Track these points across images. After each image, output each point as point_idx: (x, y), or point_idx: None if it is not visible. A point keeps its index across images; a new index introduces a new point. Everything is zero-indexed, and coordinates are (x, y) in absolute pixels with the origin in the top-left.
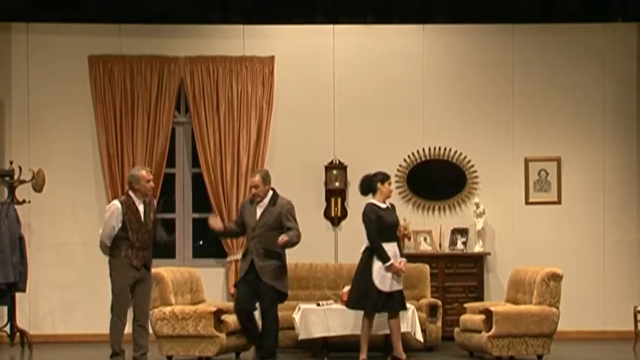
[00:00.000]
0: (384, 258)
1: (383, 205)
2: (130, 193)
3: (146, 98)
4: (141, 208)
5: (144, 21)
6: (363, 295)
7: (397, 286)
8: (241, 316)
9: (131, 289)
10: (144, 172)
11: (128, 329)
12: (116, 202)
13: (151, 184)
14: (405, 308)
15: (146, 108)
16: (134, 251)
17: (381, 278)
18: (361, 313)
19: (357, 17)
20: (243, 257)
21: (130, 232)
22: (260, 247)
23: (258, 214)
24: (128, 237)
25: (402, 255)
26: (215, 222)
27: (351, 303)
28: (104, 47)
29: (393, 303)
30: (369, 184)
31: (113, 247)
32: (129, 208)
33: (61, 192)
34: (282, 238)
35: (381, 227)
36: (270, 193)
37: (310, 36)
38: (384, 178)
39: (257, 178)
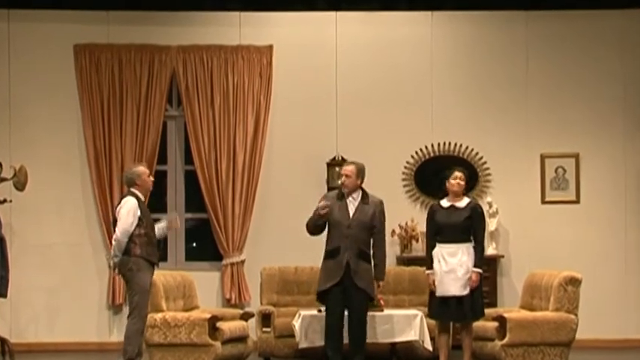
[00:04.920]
0: (427, 264)
1: (446, 204)
2: (133, 190)
3: (136, 90)
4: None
5: (133, 7)
6: (430, 301)
7: (458, 292)
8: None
9: None
10: (143, 168)
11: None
12: (131, 198)
13: (152, 178)
14: (471, 317)
15: (136, 101)
16: (152, 248)
17: (439, 281)
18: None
19: (360, 4)
20: (330, 257)
21: (147, 228)
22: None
23: (352, 210)
24: (147, 234)
25: (477, 264)
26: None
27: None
28: (91, 35)
29: (458, 310)
30: (439, 184)
31: (131, 246)
32: (141, 204)
33: (45, 190)
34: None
35: (437, 227)
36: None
37: (311, 24)
38: (448, 174)
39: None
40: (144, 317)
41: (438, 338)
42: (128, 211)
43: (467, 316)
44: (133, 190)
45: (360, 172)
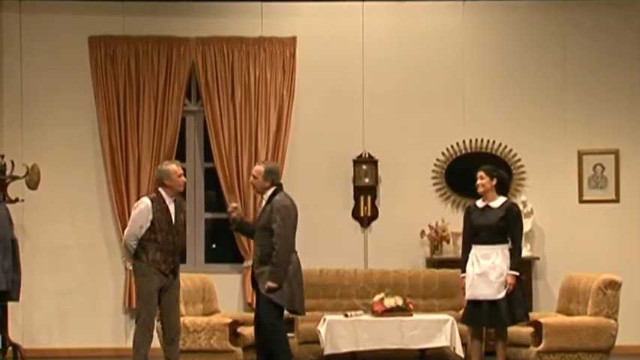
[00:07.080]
0: (462, 267)
1: (481, 204)
2: (160, 190)
3: (153, 84)
4: (171, 207)
5: None
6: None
7: (491, 296)
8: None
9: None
10: (174, 166)
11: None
12: (145, 199)
13: (183, 178)
14: (508, 322)
15: (153, 95)
16: (163, 255)
17: (470, 283)
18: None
19: None
20: None
21: (159, 233)
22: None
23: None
24: (157, 239)
25: (513, 267)
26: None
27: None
28: (106, 27)
29: (490, 315)
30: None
31: (139, 250)
32: (159, 206)
33: (58, 189)
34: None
35: (472, 229)
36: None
37: (336, 14)
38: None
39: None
40: (148, 325)
41: (470, 344)
42: (138, 213)
43: (503, 321)
44: (160, 189)
45: (270, 173)
